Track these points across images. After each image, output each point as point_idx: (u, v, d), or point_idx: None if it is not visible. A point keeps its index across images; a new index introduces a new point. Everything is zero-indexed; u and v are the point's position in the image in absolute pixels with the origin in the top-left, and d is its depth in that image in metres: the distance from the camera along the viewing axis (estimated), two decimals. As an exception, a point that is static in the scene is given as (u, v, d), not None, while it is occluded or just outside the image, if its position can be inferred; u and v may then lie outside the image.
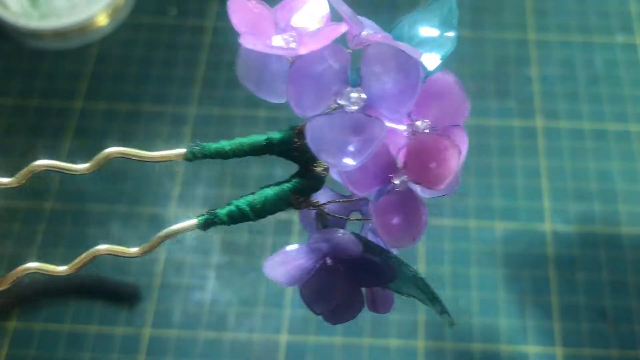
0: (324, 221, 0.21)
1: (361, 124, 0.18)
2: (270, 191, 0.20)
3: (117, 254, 0.20)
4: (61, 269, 0.20)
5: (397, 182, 0.18)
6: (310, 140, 0.18)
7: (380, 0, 0.55)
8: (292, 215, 0.45)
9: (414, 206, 0.19)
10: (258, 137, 0.20)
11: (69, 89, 0.51)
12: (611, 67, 0.52)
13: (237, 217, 0.20)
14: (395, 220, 0.19)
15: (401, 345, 0.42)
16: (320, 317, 0.21)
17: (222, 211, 0.20)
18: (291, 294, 0.43)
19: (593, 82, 0.51)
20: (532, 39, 0.54)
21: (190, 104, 0.50)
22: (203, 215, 0.20)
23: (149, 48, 0.53)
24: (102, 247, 0.20)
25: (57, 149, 0.48)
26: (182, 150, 0.20)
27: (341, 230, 0.19)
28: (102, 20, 0.53)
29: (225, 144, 0.20)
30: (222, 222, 0.20)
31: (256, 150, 0.20)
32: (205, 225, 0.20)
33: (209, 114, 0.50)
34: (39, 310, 0.43)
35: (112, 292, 0.43)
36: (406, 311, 0.42)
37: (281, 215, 0.48)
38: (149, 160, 0.20)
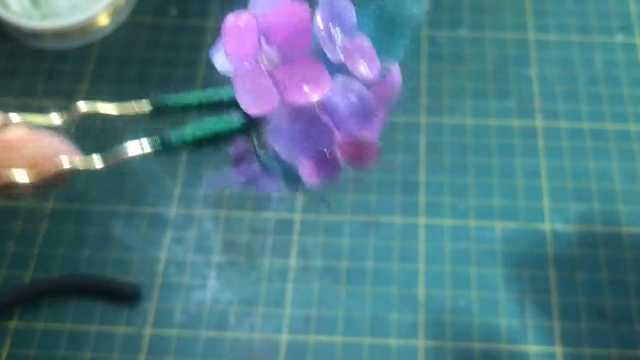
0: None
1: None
2: (213, 120, 0.24)
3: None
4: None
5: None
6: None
7: None
8: (293, 215, 0.45)
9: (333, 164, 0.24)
10: (215, 94, 0.24)
11: (70, 88, 0.51)
12: (611, 67, 0.52)
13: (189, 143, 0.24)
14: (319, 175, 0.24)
15: (401, 345, 0.42)
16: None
17: (173, 138, 0.23)
18: (291, 293, 0.43)
19: (593, 82, 0.52)
20: (532, 39, 0.54)
21: (191, 104, 0.50)
22: (156, 140, 0.23)
23: (150, 48, 0.53)
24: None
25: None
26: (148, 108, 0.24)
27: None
28: (103, 20, 0.53)
29: (191, 100, 0.24)
30: (172, 148, 0.23)
31: (212, 106, 0.24)
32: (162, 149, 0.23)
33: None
34: (40, 309, 0.43)
35: (113, 292, 0.44)
36: (406, 311, 0.43)
37: (281, 215, 0.48)
38: (117, 115, 0.24)
